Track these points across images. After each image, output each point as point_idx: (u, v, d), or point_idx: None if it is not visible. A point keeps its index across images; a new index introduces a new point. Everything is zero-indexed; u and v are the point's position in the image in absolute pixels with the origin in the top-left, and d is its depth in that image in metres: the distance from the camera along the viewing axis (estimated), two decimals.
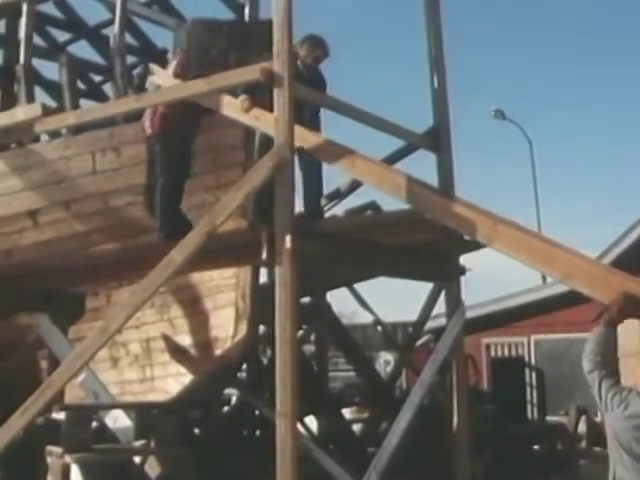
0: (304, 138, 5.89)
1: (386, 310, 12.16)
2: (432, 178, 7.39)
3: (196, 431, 8.67)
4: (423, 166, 7.74)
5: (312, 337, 10.50)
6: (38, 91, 9.39)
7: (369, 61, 41.59)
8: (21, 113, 6.72)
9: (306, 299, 9.15)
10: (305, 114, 6.29)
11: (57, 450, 6.08)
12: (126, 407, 6.71)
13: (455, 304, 7.29)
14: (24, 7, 8.77)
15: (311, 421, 9.27)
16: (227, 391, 9.43)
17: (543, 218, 21.88)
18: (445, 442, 7.58)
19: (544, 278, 19.62)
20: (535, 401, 12.47)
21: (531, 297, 12.75)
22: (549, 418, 11.80)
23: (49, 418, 6.53)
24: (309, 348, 11.08)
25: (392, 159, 7.67)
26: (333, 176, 7.94)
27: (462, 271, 7.42)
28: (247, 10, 9.12)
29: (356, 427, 10.11)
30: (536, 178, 22.42)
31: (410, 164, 7.71)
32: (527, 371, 12.78)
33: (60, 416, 6.28)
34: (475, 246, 7.28)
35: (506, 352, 13.47)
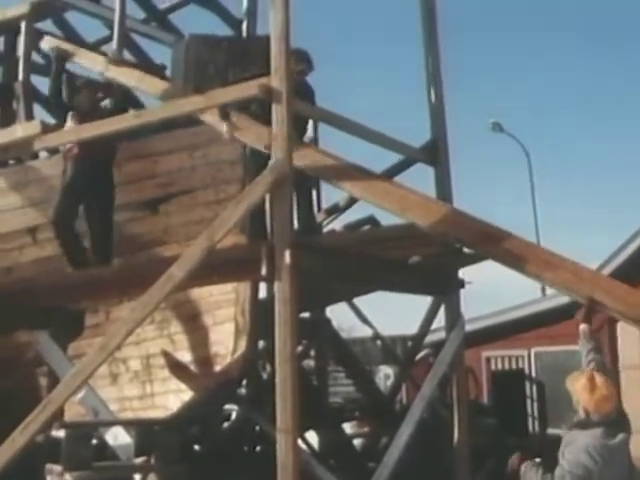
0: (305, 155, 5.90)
1: (385, 324, 12.14)
2: (430, 191, 7.43)
3: (196, 447, 8.65)
4: (421, 180, 7.77)
5: (312, 352, 10.48)
6: (37, 108, 9.42)
7: (366, 77, 41.75)
8: (20, 130, 6.73)
9: (305, 314, 9.16)
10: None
11: (57, 468, 6.06)
12: (127, 424, 6.68)
13: (455, 317, 7.30)
14: (23, 25, 8.80)
15: (311, 436, 9.24)
16: (227, 407, 9.40)
17: (542, 229, 21.85)
18: (446, 456, 7.57)
19: (543, 290, 19.69)
20: (536, 414, 12.43)
21: (531, 309, 12.71)
22: (550, 431, 11.75)
23: (49, 436, 6.50)
24: (308, 363, 11.06)
25: (389, 173, 7.69)
26: (331, 191, 7.97)
27: (461, 284, 7.43)
28: (245, 26, 9.16)
29: (357, 442, 10.08)
30: (534, 190, 22.42)
31: (407, 178, 7.73)
32: (527, 384, 12.74)
33: (60, 434, 6.25)
34: (474, 259, 7.29)
35: (506, 365, 13.42)
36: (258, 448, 9.36)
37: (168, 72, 10.23)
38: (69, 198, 6.97)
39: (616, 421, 4.14)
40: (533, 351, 12.83)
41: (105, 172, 7.05)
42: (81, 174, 6.93)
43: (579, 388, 4.21)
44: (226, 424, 9.43)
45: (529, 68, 40.52)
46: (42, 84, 10.07)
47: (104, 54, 8.43)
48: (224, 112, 5.98)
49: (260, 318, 6.81)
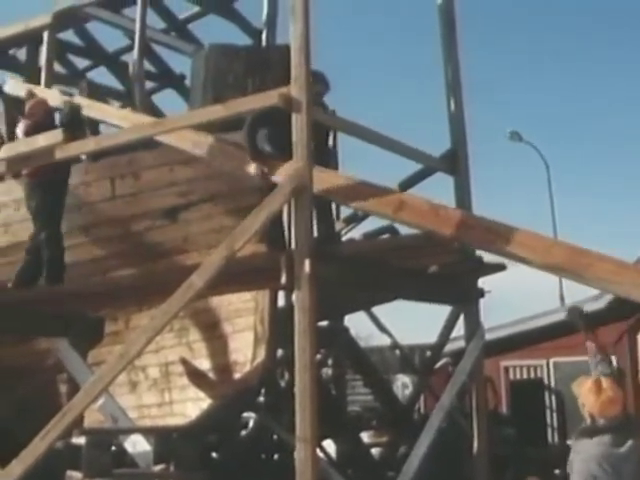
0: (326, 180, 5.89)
1: (403, 333, 12.10)
2: (450, 201, 7.42)
3: (214, 455, 8.66)
4: (440, 189, 7.77)
5: (329, 360, 10.47)
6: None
7: (386, 86, 41.73)
8: (42, 139, 6.78)
9: (324, 322, 9.15)
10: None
11: (77, 475, 6.09)
12: (146, 431, 6.70)
13: (474, 327, 7.27)
14: (45, 35, 8.90)
15: (329, 445, 9.22)
16: (244, 415, 9.41)
17: (561, 238, 21.68)
18: (465, 466, 7.53)
19: (562, 299, 19.56)
20: (555, 424, 12.33)
21: (550, 319, 12.63)
22: (570, 442, 11.64)
23: (69, 442, 6.54)
24: (326, 371, 11.04)
25: (409, 183, 7.69)
26: None
27: (481, 294, 7.41)
28: (264, 36, 9.20)
29: (375, 451, 10.04)
30: (553, 200, 22.27)
31: (427, 187, 7.73)
32: (547, 394, 12.65)
33: (80, 440, 6.28)
34: (493, 269, 7.28)
35: (525, 375, 13.34)
36: (276, 456, 9.36)
37: (187, 82, 10.35)
38: (53, 217, 7.14)
39: (623, 426, 4.10)
40: (552, 361, 12.74)
41: (60, 191, 7.22)
42: (49, 194, 7.11)
43: (585, 391, 4.19)
44: (244, 432, 9.44)
45: (550, 75, 40.29)
46: None
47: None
48: (254, 152, 5.98)
49: (279, 326, 6.82)
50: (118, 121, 7.08)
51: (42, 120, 7.19)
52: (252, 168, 5.94)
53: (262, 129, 6.04)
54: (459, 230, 5.43)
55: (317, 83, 6.48)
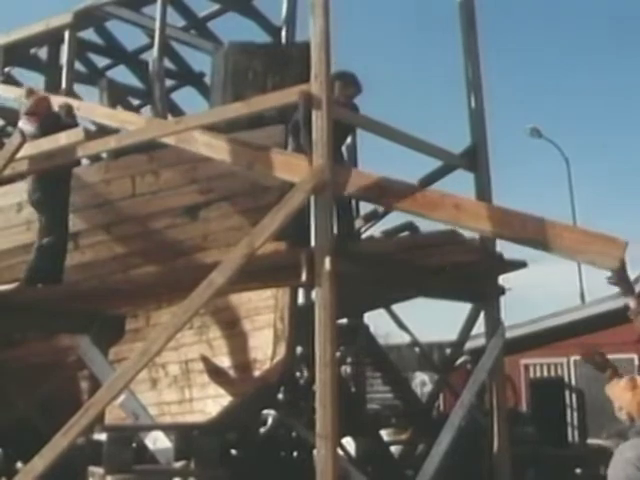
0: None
1: (421, 330, 12.08)
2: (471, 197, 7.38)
3: (233, 452, 8.68)
4: (460, 186, 7.73)
5: (349, 358, 10.47)
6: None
7: (405, 82, 41.60)
8: (64, 138, 6.82)
9: (343, 320, 9.14)
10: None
11: (99, 470, 6.12)
12: (167, 428, 6.72)
13: (495, 325, 7.24)
14: (66, 34, 8.96)
15: (348, 442, 9.22)
16: (263, 412, 9.43)
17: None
18: (485, 464, 7.50)
19: (582, 297, 19.43)
20: (576, 423, 12.26)
21: (571, 317, 12.58)
22: (590, 441, 11.58)
23: (90, 439, 6.58)
24: (345, 369, 11.04)
25: (430, 180, 7.67)
26: None
27: (501, 291, 7.38)
28: (284, 33, 9.21)
29: (394, 449, 10.04)
30: (573, 197, 22.14)
31: (447, 184, 7.71)
32: (567, 392, 12.59)
33: (102, 437, 6.32)
34: (514, 266, 7.24)
35: (545, 373, 13.28)
36: (295, 453, 9.38)
37: (206, 79, 10.38)
38: (56, 209, 7.14)
39: None
40: (572, 359, 12.67)
41: (64, 183, 7.23)
42: (52, 186, 7.10)
43: (619, 391, 4.04)
44: (263, 429, 9.47)
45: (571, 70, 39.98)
46: (85, 92, 10.28)
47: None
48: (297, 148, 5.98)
49: (298, 324, 6.83)
50: (106, 120, 7.12)
51: (47, 115, 7.25)
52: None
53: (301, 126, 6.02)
54: (440, 210, 5.53)
55: (349, 85, 6.48)
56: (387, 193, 5.61)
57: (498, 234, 5.62)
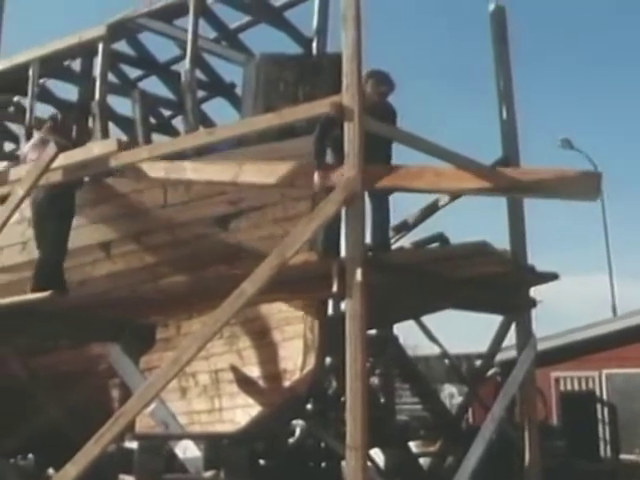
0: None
1: (448, 342, 12.01)
2: (502, 209, 7.35)
3: (262, 462, 8.69)
4: (491, 198, 7.68)
5: (378, 369, 10.44)
6: (110, 126, 9.66)
7: (437, 94, 41.54)
8: (97, 148, 6.90)
9: (372, 331, 9.13)
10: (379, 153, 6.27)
11: (130, 479, 6.16)
12: (197, 437, 6.75)
13: (526, 337, 7.19)
14: (100, 46, 9.06)
15: (376, 454, 9.19)
16: (292, 422, 9.43)
17: (612, 248, 21.35)
18: (516, 477, 7.43)
19: (614, 310, 19.22)
20: (607, 438, 12.09)
21: (602, 330, 12.42)
22: (623, 456, 11.42)
23: (121, 447, 6.62)
24: (373, 380, 11.01)
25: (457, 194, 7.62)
26: (400, 208, 7.95)
27: (533, 303, 7.32)
28: (315, 44, 9.23)
29: (423, 461, 9.98)
30: (605, 208, 21.95)
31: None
32: (598, 406, 12.42)
33: (133, 445, 6.36)
34: (546, 278, 7.18)
35: (576, 386, 13.12)
36: (323, 464, 9.37)
37: (237, 90, 10.45)
38: (63, 220, 7.20)
39: None
40: (604, 372, 12.52)
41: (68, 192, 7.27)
42: (54, 192, 7.14)
43: None
44: (291, 439, 9.47)
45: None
46: (117, 104, 10.40)
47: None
48: (319, 161, 5.97)
49: (327, 335, 6.82)
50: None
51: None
52: (315, 177, 5.93)
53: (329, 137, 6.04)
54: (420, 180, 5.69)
55: (382, 84, 6.50)
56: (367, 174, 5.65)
57: (480, 190, 5.79)
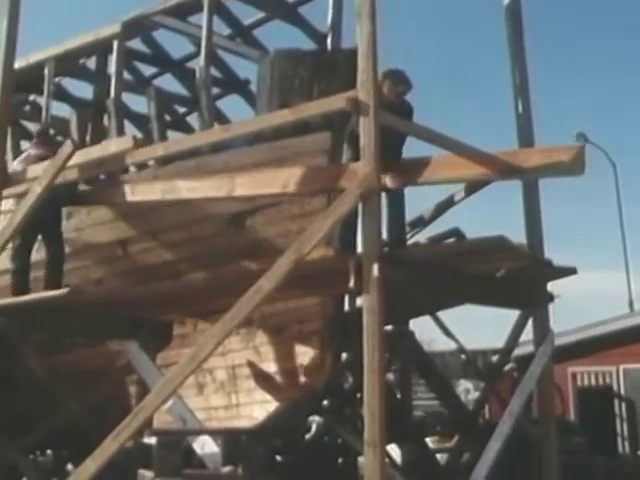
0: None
1: (464, 337, 11.97)
2: (518, 203, 7.33)
3: (279, 458, 8.70)
4: (508, 192, 7.67)
5: (394, 365, 10.42)
6: (125, 123, 9.68)
7: (452, 88, 41.39)
8: (113, 146, 6.94)
9: (388, 326, 9.11)
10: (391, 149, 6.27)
11: (149, 474, 6.20)
12: (215, 433, 6.78)
13: (543, 332, 7.15)
14: (114, 44, 9.09)
15: (392, 449, 9.17)
16: (309, 418, 9.44)
17: (629, 241, 21.18)
18: (533, 474, 7.40)
19: (631, 306, 19.09)
20: (626, 434, 12.02)
21: (620, 325, 12.36)
22: None
23: (140, 442, 6.65)
24: (389, 376, 11.00)
25: (477, 186, 7.61)
26: (416, 203, 7.93)
27: (550, 298, 7.28)
28: (329, 40, 9.20)
29: (440, 456, 9.96)
30: (620, 201, 21.77)
31: (495, 190, 7.65)
32: (616, 402, 12.35)
33: (151, 441, 6.39)
34: (563, 273, 7.15)
35: (593, 381, 13.06)
36: (340, 460, 9.37)
37: (252, 87, 10.45)
38: (31, 227, 7.22)
39: None
40: (622, 368, 12.45)
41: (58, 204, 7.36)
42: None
43: None
44: (308, 435, 9.48)
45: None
46: (132, 101, 10.42)
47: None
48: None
49: (344, 331, 6.83)
50: None
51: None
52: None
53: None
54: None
55: (399, 82, 6.48)
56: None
57: (474, 176, 6.03)
